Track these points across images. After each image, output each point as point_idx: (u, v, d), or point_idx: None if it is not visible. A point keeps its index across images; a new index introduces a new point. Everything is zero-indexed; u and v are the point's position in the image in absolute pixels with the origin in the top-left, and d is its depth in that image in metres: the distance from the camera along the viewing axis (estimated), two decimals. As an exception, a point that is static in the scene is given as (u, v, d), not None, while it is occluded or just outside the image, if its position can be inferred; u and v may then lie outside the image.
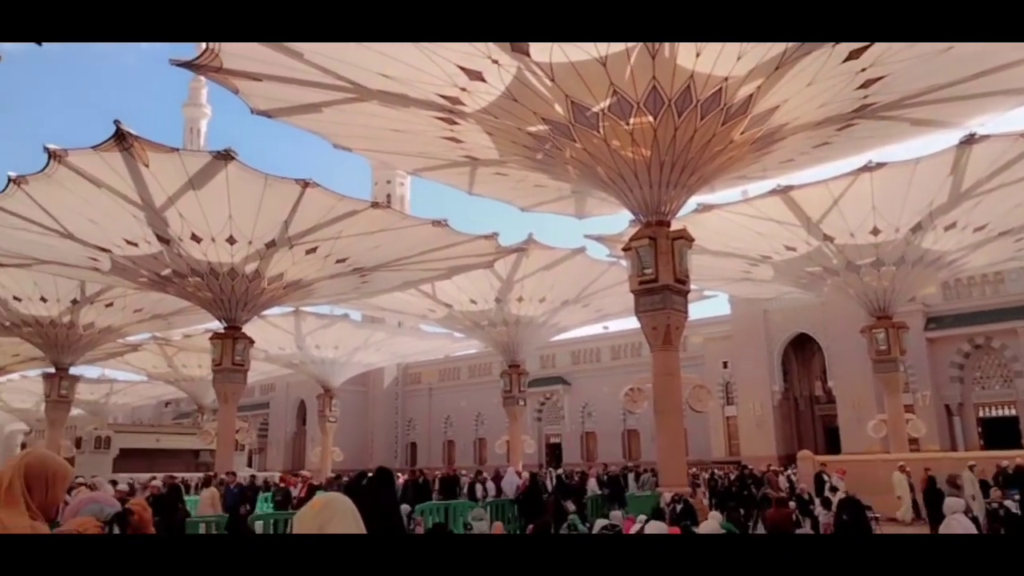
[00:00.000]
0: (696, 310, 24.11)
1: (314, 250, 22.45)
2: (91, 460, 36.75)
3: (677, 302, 16.85)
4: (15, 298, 27.88)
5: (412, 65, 14.13)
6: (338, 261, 23.49)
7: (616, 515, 12.71)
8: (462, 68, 14.26)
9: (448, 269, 26.09)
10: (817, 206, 22.30)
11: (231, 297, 23.46)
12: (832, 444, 41.20)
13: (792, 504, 14.71)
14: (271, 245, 21.75)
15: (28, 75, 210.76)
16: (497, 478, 23.13)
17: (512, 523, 18.68)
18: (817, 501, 17.09)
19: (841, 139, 18.47)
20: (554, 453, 54.01)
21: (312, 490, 20.21)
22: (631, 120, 15.36)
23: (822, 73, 14.38)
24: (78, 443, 38.99)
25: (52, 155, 17.09)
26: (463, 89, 14.95)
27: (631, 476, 24.68)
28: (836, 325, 38.87)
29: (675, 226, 17.42)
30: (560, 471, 28.99)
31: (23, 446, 54.56)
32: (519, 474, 23.26)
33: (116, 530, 2.91)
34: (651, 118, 15.23)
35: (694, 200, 19.78)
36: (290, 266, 23.09)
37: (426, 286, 29.06)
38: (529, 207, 24.06)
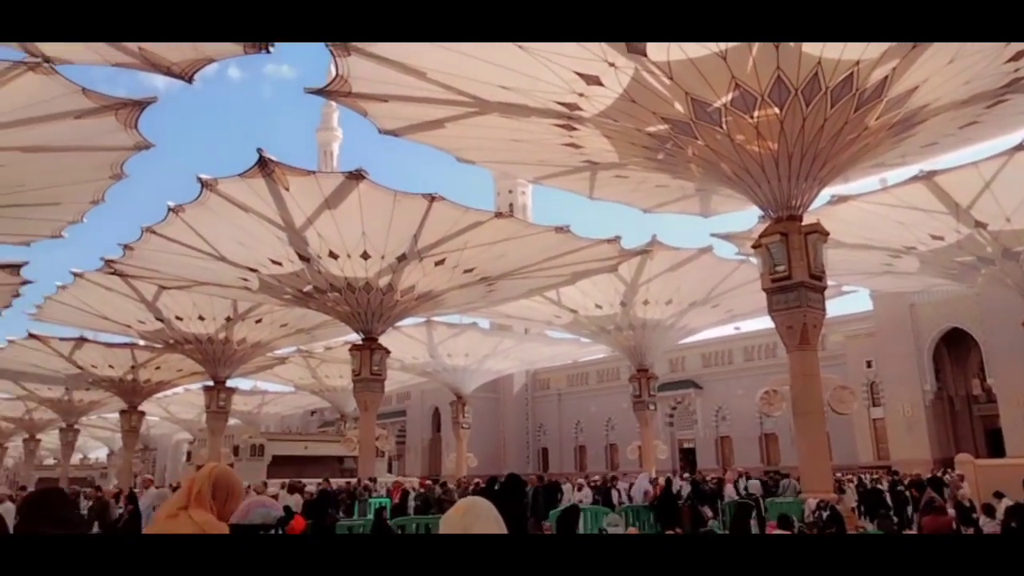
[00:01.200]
0: (834, 307, 22.93)
1: (442, 262, 23.15)
2: (248, 466, 39.44)
3: (813, 299, 16.15)
4: (177, 318, 30.42)
5: (530, 75, 14.35)
6: (465, 271, 24.11)
7: (754, 484, 12.23)
8: (579, 74, 14.33)
9: (572, 275, 26.18)
10: (966, 191, 20.68)
11: (367, 310, 24.59)
12: (994, 447, 37.94)
13: (951, 512, 13.73)
14: (402, 259, 22.62)
15: (178, 112, 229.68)
16: (601, 486, 22.96)
17: (647, 529, 18.47)
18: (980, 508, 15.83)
19: (991, 117, 17.07)
20: (688, 458, 52.80)
21: (405, 495, 20.84)
22: (755, 113, 14.90)
23: (965, 48, 13.38)
24: (236, 451, 41.96)
25: (204, 184, 18.59)
26: (581, 95, 15.02)
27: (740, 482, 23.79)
28: (994, 318, 35.75)
29: (807, 220, 16.71)
30: (686, 476, 28.19)
31: (188, 455, 59.23)
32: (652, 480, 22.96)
33: (281, 530, 3.23)
34: (777, 109, 14.72)
35: (827, 192, 18.89)
36: (420, 278, 23.92)
37: (551, 292, 29.25)
38: (652, 208, 23.75)
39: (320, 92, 15.54)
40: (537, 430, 65.25)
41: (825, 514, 13.85)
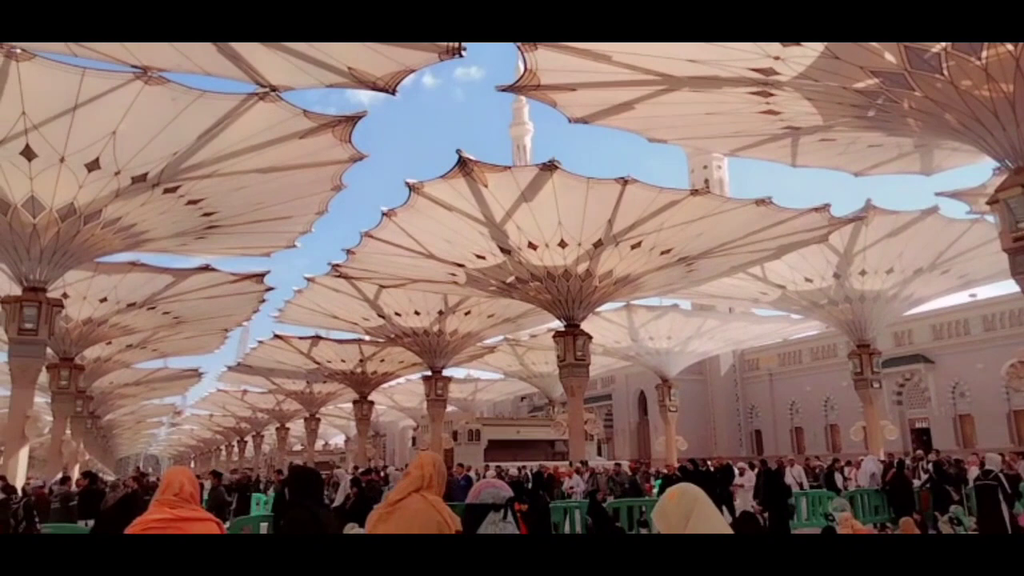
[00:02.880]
0: (1097, 264, 19.79)
1: (639, 244, 23.00)
2: (466, 451, 41.81)
3: (1068, 257, 14.18)
4: (396, 313, 32.84)
5: (719, 44, 13.85)
6: (662, 253, 23.77)
7: (993, 458, 11.10)
8: (773, 37, 13.62)
9: (777, 248, 24.90)
10: None
11: (567, 297, 25.06)
12: None
13: None
14: (598, 244, 22.78)
15: (384, 123, 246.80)
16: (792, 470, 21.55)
17: (874, 515, 17.33)
18: None
19: None
20: (920, 439, 48.26)
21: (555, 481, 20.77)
22: (983, 53, 13.30)
23: None
24: (454, 436, 44.57)
25: (412, 188, 19.91)
26: (776, 58, 14.25)
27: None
28: None
29: (1057, 166, 14.67)
30: (920, 457, 25.77)
31: (413, 440, 63.71)
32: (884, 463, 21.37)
33: (510, 513, 3.72)
34: (1011, 46, 13.04)
35: (1080, 132, 16.42)
36: (618, 263, 23.94)
37: (755, 268, 28.04)
38: (864, 171, 21.95)
39: (511, 89, 16.06)
40: (748, 412, 62.82)
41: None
